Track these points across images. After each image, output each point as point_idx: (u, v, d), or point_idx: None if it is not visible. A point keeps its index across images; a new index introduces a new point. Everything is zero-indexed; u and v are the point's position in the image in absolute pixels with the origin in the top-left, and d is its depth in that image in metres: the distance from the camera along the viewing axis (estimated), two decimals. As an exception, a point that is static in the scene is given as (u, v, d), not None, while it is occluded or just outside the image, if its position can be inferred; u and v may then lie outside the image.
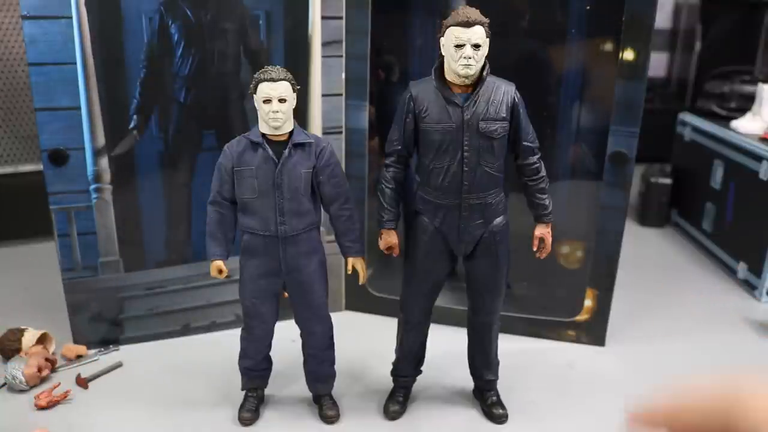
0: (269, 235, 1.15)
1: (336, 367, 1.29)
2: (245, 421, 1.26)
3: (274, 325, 1.24)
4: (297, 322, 1.23)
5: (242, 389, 1.29)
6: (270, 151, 1.12)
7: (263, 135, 1.13)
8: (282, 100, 1.09)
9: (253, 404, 1.28)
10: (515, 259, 1.24)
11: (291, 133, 1.14)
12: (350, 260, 1.21)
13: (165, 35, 1.41)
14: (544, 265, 1.33)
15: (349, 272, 1.22)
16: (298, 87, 1.13)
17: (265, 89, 1.09)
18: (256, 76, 1.10)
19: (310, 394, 1.31)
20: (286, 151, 1.12)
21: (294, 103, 1.12)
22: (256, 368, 1.27)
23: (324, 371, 1.27)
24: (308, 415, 1.30)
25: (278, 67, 1.11)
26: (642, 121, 1.41)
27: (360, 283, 1.25)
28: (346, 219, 1.19)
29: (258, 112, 1.12)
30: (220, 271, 1.17)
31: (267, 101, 1.09)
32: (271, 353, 1.28)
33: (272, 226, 1.14)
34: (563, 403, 1.35)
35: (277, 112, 1.09)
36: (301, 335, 1.25)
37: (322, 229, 1.24)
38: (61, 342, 1.49)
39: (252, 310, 1.21)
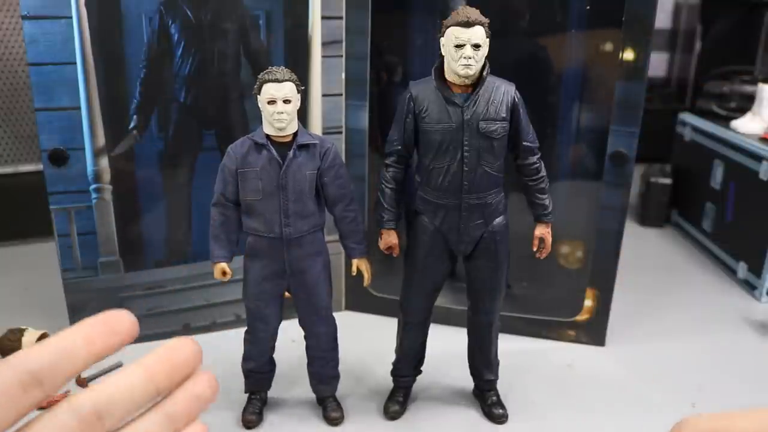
0: (273, 237, 1.14)
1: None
2: (249, 424, 1.25)
3: (277, 327, 1.23)
4: (301, 324, 1.23)
5: (245, 392, 1.29)
6: (275, 153, 1.12)
7: (267, 136, 1.12)
8: (287, 101, 1.09)
9: (257, 406, 1.27)
10: (515, 259, 1.24)
11: (295, 134, 1.13)
12: (355, 262, 1.21)
13: (165, 35, 1.41)
14: (544, 265, 1.33)
15: (354, 274, 1.22)
16: (303, 87, 1.13)
17: (269, 90, 1.08)
18: (260, 76, 1.10)
19: (313, 396, 1.31)
20: (291, 153, 1.12)
21: (298, 104, 1.12)
22: (259, 370, 1.26)
23: (328, 373, 1.27)
24: (312, 416, 1.30)
25: (283, 67, 1.10)
26: (642, 121, 1.41)
27: (365, 285, 1.25)
28: (350, 221, 1.18)
29: (262, 113, 1.11)
30: (224, 273, 1.17)
31: (271, 102, 1.09)
32: (274, 355, 1.27)
33: (276, 228, 1.14)
34: (563, 403, 1.35)
35: (282, 113, 1.09)
36: (305, 337, 1.25)
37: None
38: (61, 342, 1.49)
39: (256, 312, 1.20)
